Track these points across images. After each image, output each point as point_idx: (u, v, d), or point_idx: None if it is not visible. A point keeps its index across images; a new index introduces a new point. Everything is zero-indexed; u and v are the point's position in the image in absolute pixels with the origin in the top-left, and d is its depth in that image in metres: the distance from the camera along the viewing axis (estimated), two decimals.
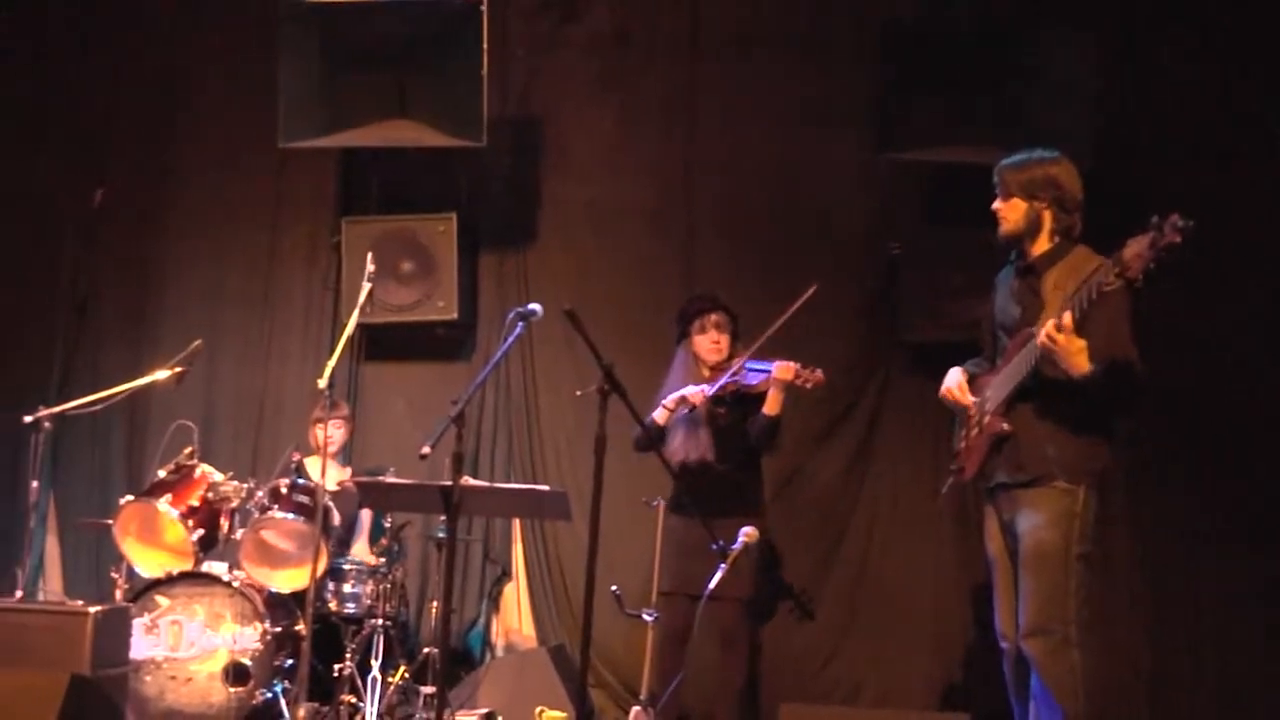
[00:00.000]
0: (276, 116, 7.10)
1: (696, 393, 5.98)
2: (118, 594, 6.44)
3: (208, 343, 6.96)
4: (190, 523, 6.41)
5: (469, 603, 7.55)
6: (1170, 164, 6.80)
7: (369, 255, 6.42)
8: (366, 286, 6.27)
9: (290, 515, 6.43)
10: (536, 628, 7.52)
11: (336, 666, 6.49)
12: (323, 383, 5.93)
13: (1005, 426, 4.67)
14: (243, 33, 7.82)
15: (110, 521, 6.51)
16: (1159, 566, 6.84)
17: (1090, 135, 6.31)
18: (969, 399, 4.90)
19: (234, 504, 6.55)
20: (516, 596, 7.62)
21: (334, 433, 6.88)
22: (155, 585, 6.32)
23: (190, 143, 8.07)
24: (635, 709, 5.39)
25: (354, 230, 7.52)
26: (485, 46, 6.86)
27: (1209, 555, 6.78)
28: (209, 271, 8.01)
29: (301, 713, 5.85)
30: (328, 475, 6.08)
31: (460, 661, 7.38)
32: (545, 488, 6.48)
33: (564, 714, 6.36)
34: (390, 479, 6.36)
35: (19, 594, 6.29)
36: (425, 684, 6.52)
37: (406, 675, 6.59)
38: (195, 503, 6.48)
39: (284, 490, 6.51)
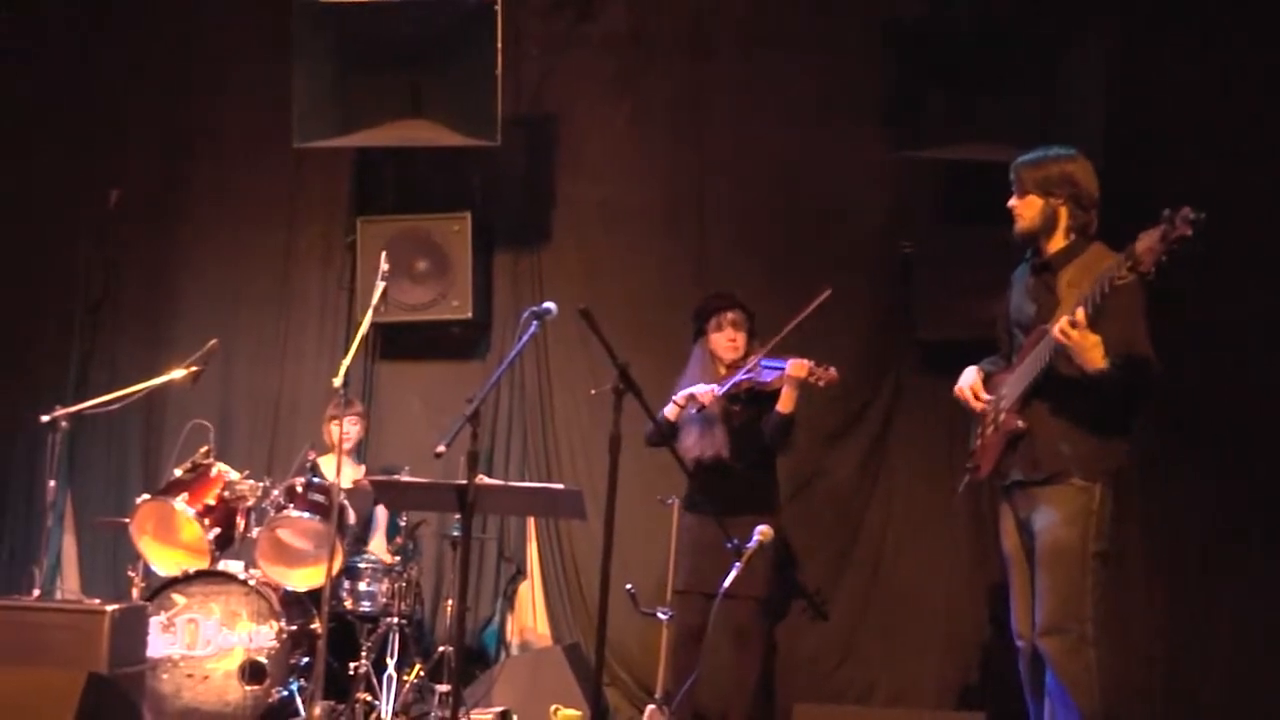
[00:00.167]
0: (291, 117, 7.12)
1: (706, 391, 5.99)
2: (134, 593, 6.48)
3: (223, 342, 6.98)
4: (206, 521, 6.43)
5: (484, 601, 7.56)
6: (1180, 161, 6.78)
7: (384, 255, 6.44)
8: (381, 286, 6.28)
9: (306, 514, 6.46)
10: (551, 626, 7.53)
11: (352, 665, 6.51)
12: (338, 381, 5.95)
13: (1020, 424, 4.66)
14: (257, 33, 7.83)
15: (127, 520, 6.53)
16: (1174, 565, 6.82)
17: (1102, 132, 6.29)
18: (984, 399, 4.89)
19: (250, 503, 6.57)
20: (531, 595, 7.62)
21: (350, 429, 6.91)
22: (172, 584, 6.35)
23: (205, 143, 8.09)
24: (650, 707, 5.40)
25: (369, 230, 7.53)
26: (499, 46, 6.86)
27: (1224, 553, 6.77)
28: (224, 271, 8.03)
29: (317, 711, 5.87)
30: (343, 474, 6.09)
31: (475, 660, 7.39)
32: (560, 486, 6.50)
33: (579, 712, 6.36)
34: (405, 478, 6.39)
35: (36, 593, 6.32)
36: (440, 682, 6.53)
37: (422, 673, 6.61)
38: (211, 501, 6.51)
39: (300, 489, 6.53)
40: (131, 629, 5.68)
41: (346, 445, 6.75)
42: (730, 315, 6.14)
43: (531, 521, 7.61)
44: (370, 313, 6.29)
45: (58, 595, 7.61)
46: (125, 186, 7.95)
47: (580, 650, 7.08)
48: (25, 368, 8.03)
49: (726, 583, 5.18)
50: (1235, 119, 6.87)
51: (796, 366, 5.83)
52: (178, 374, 6.69)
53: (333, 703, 6.33)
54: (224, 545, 6.56)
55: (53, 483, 6.44)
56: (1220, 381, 6.71)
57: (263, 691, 6.25)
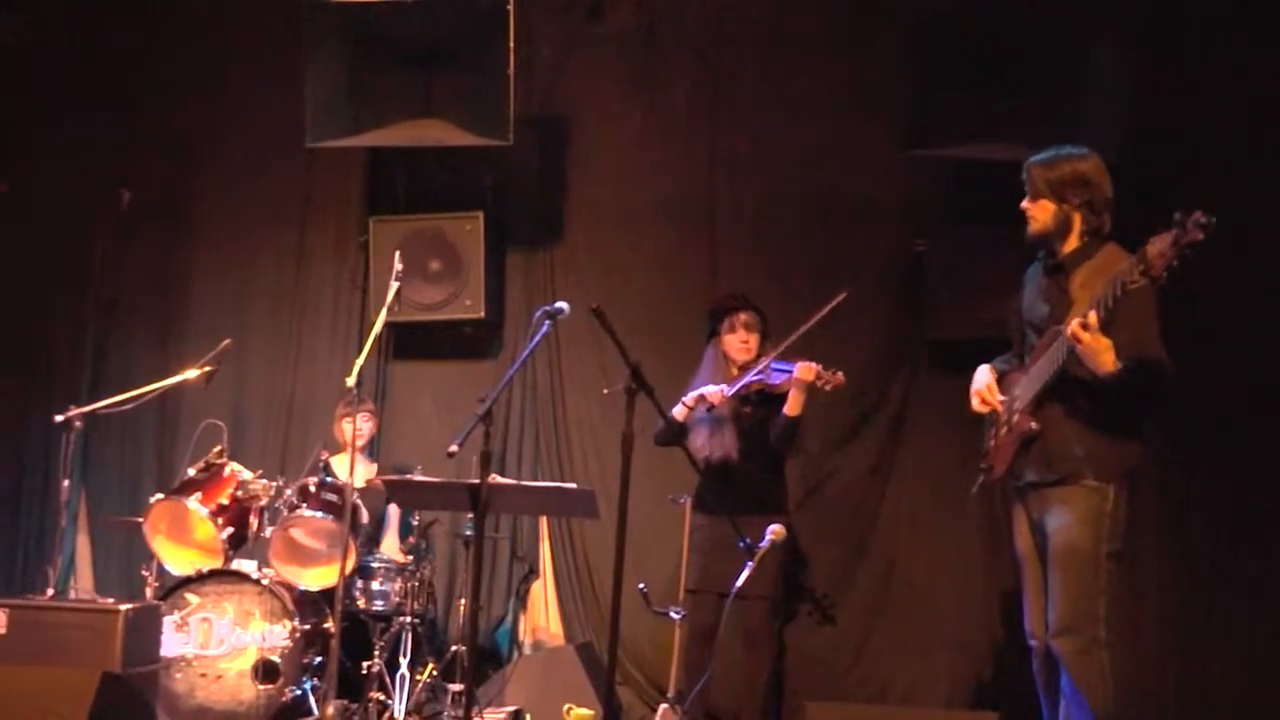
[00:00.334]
0: (304, 117, 7.13)
1: (715, 392, 5.99)
2: (148, 592, 6.50)
3: (237, 342, 7.00)
4: (220, 521, 6.45)
5: (496, 600, 7.56)
6: (1197, 163, 6.75)
7: (396, 254, 6.45)
8: (394, 285, 6.30)
9: (319, 513, 6.47)
10: (564, 625, 7.53)
11: (365, 664, 6.51)
12: (351, 381, 5.96)
13: (1034, 425, 4.65)
14: (270, 33, 7.85)
15: (141, 520, 6.55)
16: (1187, 565, 6.79)
17: (1120, 132, 6.26)
18: (997, 399, 4.88)
19: (263, 502, 6.59)
20: (544, 594, 7.62)
21: (362, 425, 6.92)
22: (185, 583, 6.36)
23: (218, 143, 8.11)
24: (663, 707, 5.40)
25: (381, 229, 7.54)
26: (511, 45, 6.86)
27: (1236, 554, 6.74)
28: (238, 271, 8.05)
29: (330, 710, 5.89)
30: (355, 472, 6.10)
31: (488, 659, 7.40)
32: (572, 486, 6.50)
33: (591, 712, 6.37)
34: (418, 477, 6.40)
35: (51, 592, 6.34)
36: (453, 681, 6.54)
37: (434, 673, 6.62)
38: (225, 501, 6.53)
39: (313, 488, 6.54)
40: (145, 628, 5.70)
41: (359, 442, 6.76)
42: (743, 316, 6.14)
43: (544, 521, 7.61)
44: (384, 312, 6.30)
45: (72, 595, 7.62)
46: (137, 187, 7.96)
47: (593, 649, 7.08)
48: (39, 368, 8.07)
49: (739, 582, 5.18)
50: (1251, 120, 6.83)
51: (804, 369, 5.83)
52: (191, 374, 6.72)
53: (346, 702, 6.34)
54: (237, 545, 6.58)
55: (67, 482, 6.46)
56: (1232, 383, 6.67)
57: (276, 691, 6.26)
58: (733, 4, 7.67)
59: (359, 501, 6.51)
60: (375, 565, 6.74)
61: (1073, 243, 4.70)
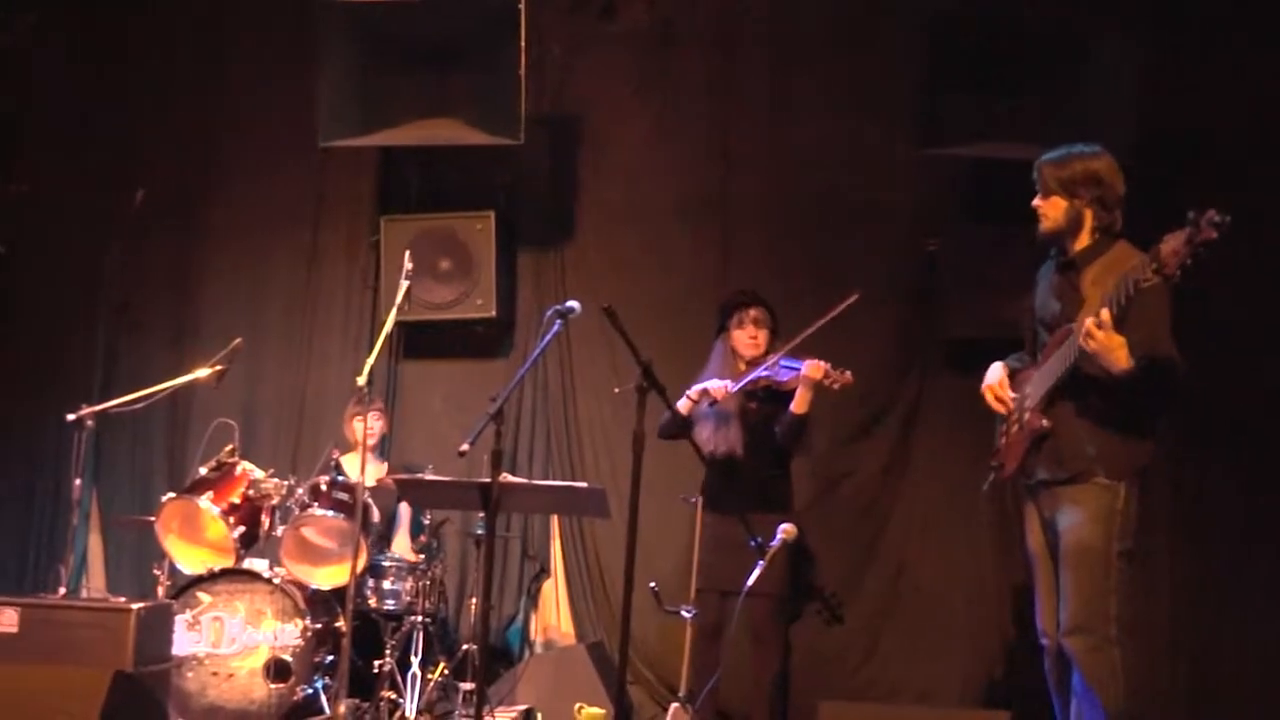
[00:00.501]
0: (316, 116, 7.14)
1: (719, 387, 5.98)
2: (160, 591, 6.50)
3: (248, 341, 7.01)
4: (231, 520, 6.46)
5: (508, 599, 7.57)
6: (1207, 161, 6.73)
7: (407, 253, 6.44)
8: (405, 284, 6.28)
9: (330, 512, 6.47)
10: (575, 624, 7.53)
11: (376, 663, 6.51)
12: (362, 380, 5.96)
13: (1045, 423, 4.64)
14: (282, 33, 7.87)
15: (152, 519, 6.57)
16: (1199, 563, 6.78)
17: (1132, 131, 6.25)
18: (1009, 396, 4.87)
19: (275, 501, 6.60)
20: (555, 593, 7.63)
21: (373, 424, 6.92)
22: (197, 582, 6.37)
23: (230, 143, 8.12)
24: (674, 706, 5.40)
25: (393, 229, 7.55)
26: (523, 45, 6.86)
27: (1248, 552, 6.72)
28: (249, 271, 8.07)
29: (342, 709, 5.89)
30: (366, 472, 6.11)
31: (499, 658, 7.40)
32: (583, 485, 6.50)
33: (603, 711, 6.36)
34: (429, 476, 6.40)
35: (62, 591, 6.35)
36: (464, 680, 6.55)
37: (446, 671, 6.63)
38: (236, 500, 6.54)
39: (324, 487, 6.55)
40: (157, 627, 5.71)
41: (370, 442, 6.78)
42: (753, 312, 6.13)
43: (555, 520, 7.61)
44: (394, 311, 6.30)
45: (84, 594, 7.63)
46: (150, 186, 7.97)
47: (604, 648, 7.08)
48: (51, 367, 8.08)
49: (751, 580, 5.17)
50: (1264, 118, 6.81)
51: (812, 368, 5.81)
52: (202, 373, 6.72)
53: (357, 701, 6.35)
54: (249, 543, 6.59)
55: (78, 481, 6.46)
56: (1246, 382, 6.66)
57: (287, 689, 6.27)
58: (744, 3, 7.67)
59: (370, 500, 6.52)
60: (386, 564, 6.74)
61: (1084, 240, 4.69)
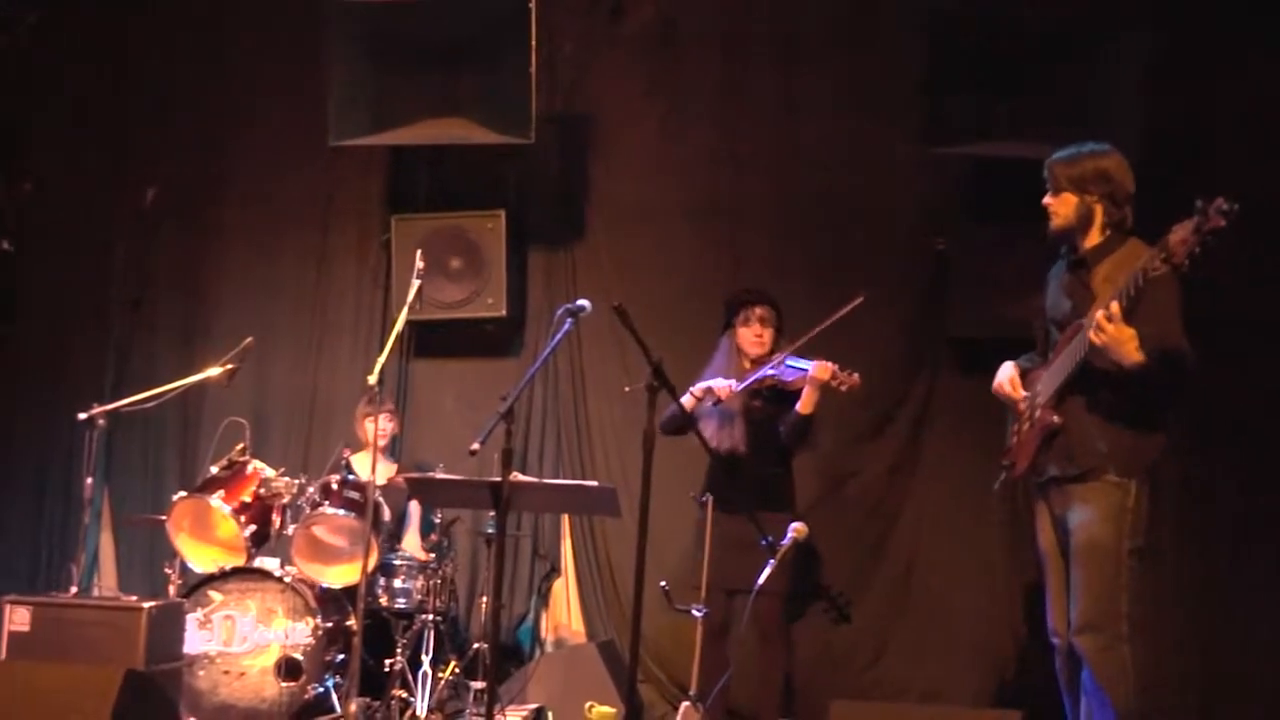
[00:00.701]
0: (326, 115, 7.15)
1: (724, 386, 5.98)
2: (171, 589, 6.51)
3: (259, 340, 7.00)
4: (242, 518, 6.47)
5: (518, 598, 7.57)
6: (1215, 158, 6.71)
7: (418, 252, 6.44)
8: (416, 284, 6.29)
9: (341, 511, 6.48)
10: (585, 623, 7.54)
11: (387, 661, 6.52)
12: (373, 379, 5.96)
13: (1056, 420, 4.64)
14: (292, 32, 7.86)
15: (164, 517, 6.58)
16: (1209, 561, 6.76)
17: (1139, 128, 6.24)
18: (1020, 394, 4.87)
19: (286, 500, 6.61)
20: (565, 592, 7.63)
21: (385, 424, 6.94)
22: (208, 581, 6.38)
23: (241, 142, 8.14)
24: (685, 705, 5.38)
25: (403, 228, 7.56)
26: (533, 44, 6.87)
27: (1259, 549, 6.70)
28: (260, 269, 8.08)
29: (353, 707, 5.89)
30: (377, 471, 6.11)
31: (510, 657, 7.41)
32: (594, 483, 6.51)
33: (613, 710, 6.37)
34: (440, 474, 6.40)
35: (74, 590, 6.35)
36: (475, 679, 6.54)
37: (457, 670, 6.63)
38: (247, 499, 6.54)
39: (335, 486, 6.55)
40: (168, 626, 5.72)
41: (381, 442, 6.78)
42: (759, 311, 6.12)
43: (565, 518, 7.62)
44: (405, 310, 6.30)
45: (95, 592, 7.65)
46: (161, 185, 8.00)
47: (615, 647, 7.08)
48: (63, 366, 8.10)
49: (761, 579, 5.17)
50: (1268, 116, 6.79)
51: (820, 369, 5.81)
52: (213, 372, 6.73)
53: (368, 699, 6.35)
54: (260, 542, 6.59)
55: (90, 480, 6.46)
56: (1256, 376, 6.64)
57: (298, 688, 6.28)
58: (753, 3, 7.66)
59: (381, 499, 6.52)
60: (397, 563, 6.75)
61: (1095, 237, 4.69)
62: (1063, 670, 4.78)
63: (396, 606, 6.69)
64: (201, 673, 6.28)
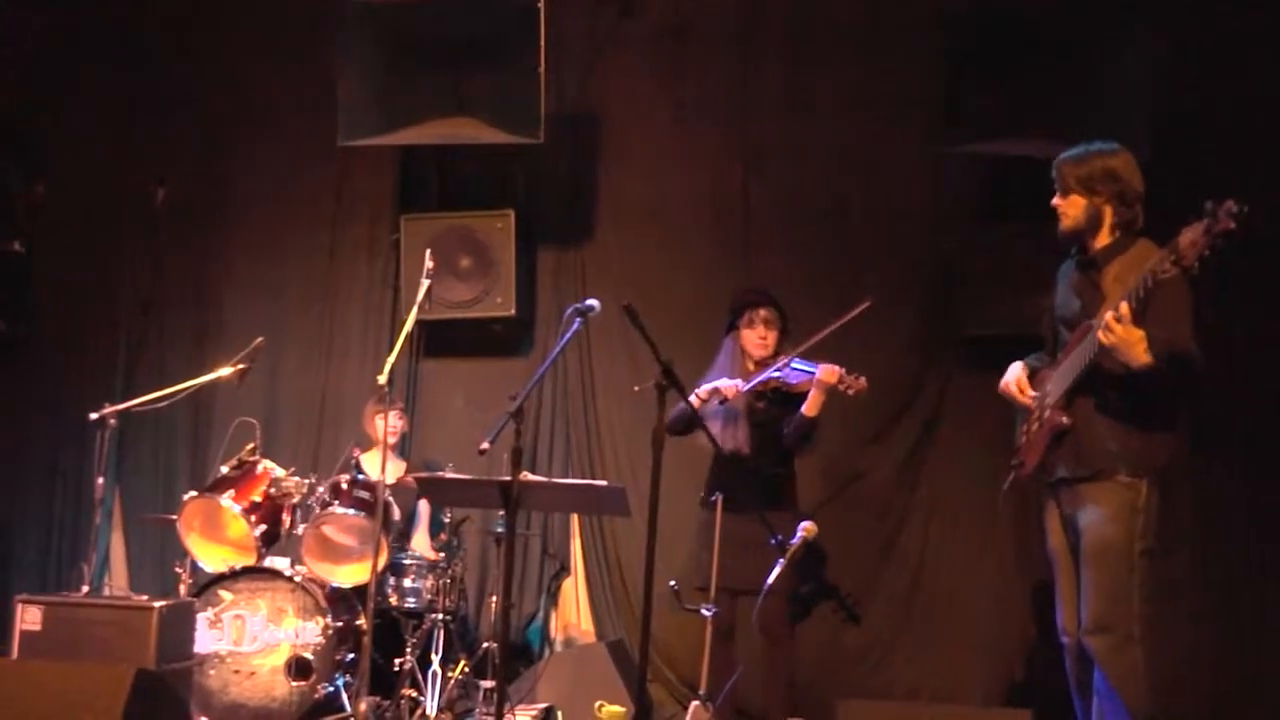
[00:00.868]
0: (336, 115, 7.16)
1: (731, 386, 5.96)
2: (182, 589, 6.53)
3: (269, 340, 7.02)
4: (253, 518, 6.48)
5: (528, 597, 7.58)
6: (1228, 157, 6.70)
7: (428, 252, 6.45)
8: (425, 283, 6.30)
9: (351, 510, 6.49)
10: (595, 622, 7.54)
11: (397, 661, 6.53)
12: (382, 378, 5.97)
13: (1065, 420, 4.63)
14: (302, 32, 7.89)
15: (174, 517, 6.59)
16: (1222, 561, 6.75)
17: (1149, 127, 6.23)
18: (1029, 395, 4.86)
19: (296, 499, 6.62)
20: (575, 591, 7.63)
21: (395, 422, 6.94)
22: (218, 580, 6.39)
23: (251, 142, 8.15)
24: (694, 704, 5.38)
25: (413, 227, 7.57)
26: (542, 44, 6.87)
27: (1272, 549, 6.69)
28: (270, 269, 8.09)
29: (363, 706, 5.90)
30: (386, 470, 6.12)
31: (519, 656, 7.42)
32: (603, 483, 6.50)
33: (623, 709, 6.37)
34: (449, 474, 6.41)
35: (85, 589, 6.36)
36: (485, 678, 6.56)
37: (466, 669, 6.64)
38: (258, 498, 6.55)
39: (344, 486, 6.56)
40: (179, 625, 5.73)
41: (391, 439, 6.79)
42: (763, 312, 6.10)
43: (575, 518, 7.63)
44: (415, 310, 6.31)
45: (106, 592, 7.65)
46: (171, 185, 8.01)
47: (624, 646, 7.08)
48: (75, 366, 8.13)
49: (771, 579, 5.16)
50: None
51: (827, 372, 5.79)
52: (224, 372, 6.74)
53: (378, 698, 6.35)
54: (270, 542, 6.61)
55: (101, 480, 6.48)
56: (1268, 377, 6.63)
57: (308, 687, 6.29)
58: (763, 2, 7.66)
59: (390, 498, 6.53)
60: (407, 562, 6.76)
61: (1104, 238, 4.68)
62: (1073, 670, 4.77)
63: (406, 606, 6.71)
64: (212, 672, 6.29)
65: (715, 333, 6.51)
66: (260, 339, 6.81)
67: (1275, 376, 6.65)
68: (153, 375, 7.78)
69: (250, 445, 6.77)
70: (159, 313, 8.16)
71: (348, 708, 6.29)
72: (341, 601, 6.55)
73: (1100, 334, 4.35)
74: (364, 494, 6.53)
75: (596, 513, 7.34)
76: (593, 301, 4.91)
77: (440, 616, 6.61)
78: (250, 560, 6.49)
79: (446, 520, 6.99)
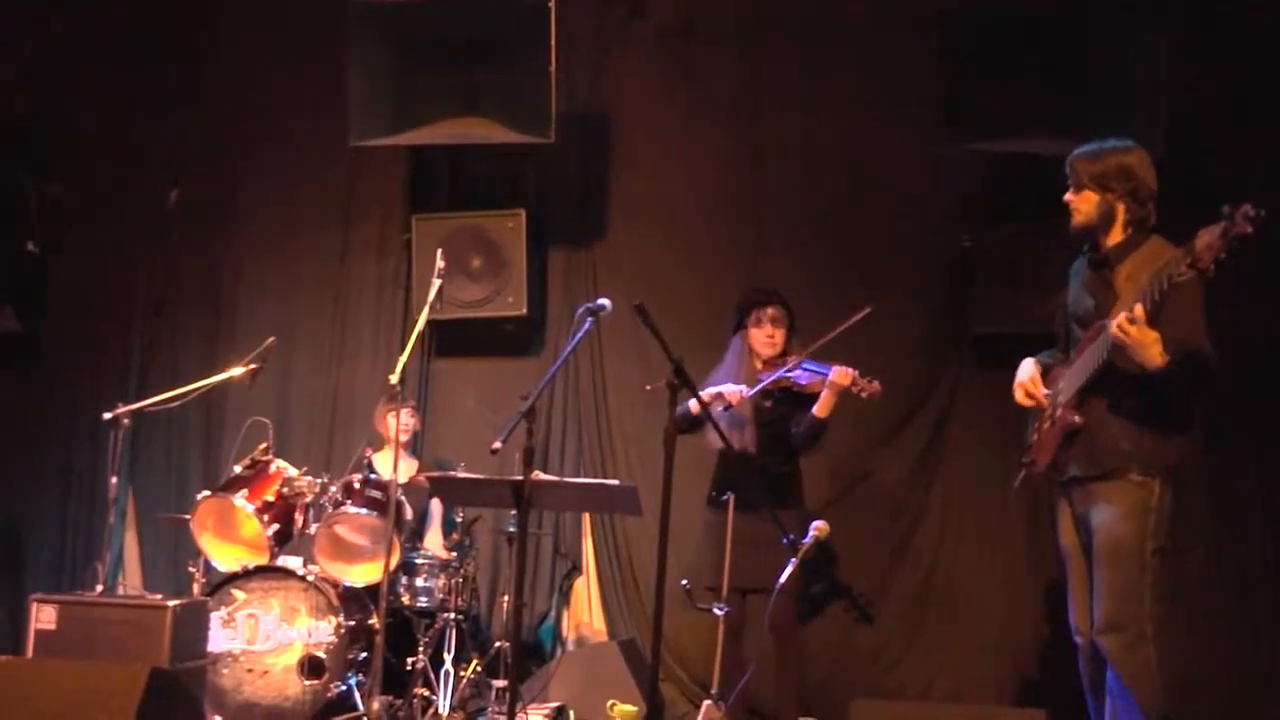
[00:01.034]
0: (347, 116, 7.17)
1: (735, 392, 5.93)
2: (195, 588, 6.55)
3: (281, 340, 7.05)
4: (266, 518, 6.50)
5: (540, 597, 7.58)
6: (1241, 155, 6.68)
7: (439, 252, 6.45)
8: (437, 283, 6.30)
9: (363, 510, 6.50)
10: (607, 621, 7.54)
11: (409, 660, 6.55)
12: (394, 378, 5.98)
13: (1077, 419, 4.62)
14: (313, 32, 7.90)
15: (187, 517, 6.61)
16: (1236, 561, 6.73)
17: (1161, 124, 6.22)
18: (1041, 392, 4.85)
19: (308, 499, 6.63)
20: (587, 590, 7.64)
21: (407, 420, 6.95)
22: (232, 579, 6.41)
23: (262, 143, 8.17)
24: (706, 703, 5.38)
25: (424, 227, 7.58)
26: (553, 44, 6.88)
27: None
28: (282, 270, 8.11)
29: (375, 705, 5.92)
30: (398, 469, 6.13)
31: (531, 655, 7.42)
32: (615, 482, 6.50)
33: (635, 708, 6.37)
34: (462, 473, 6.42)
35: (99, 588, 6.39)
36: (497, 677, 6.57)
37: (478, 669, 6.65)
38: (270, 498, 6.57)
39: (357, 485, 6.57)
40: (192, 624, 5.74)
41: (403, 437, 6.79)
42: (770, 311, 6.09)
43: (586, 517, 7.63)
44: (426, 310, 6.32)
45: (120, 591, 7.67)
46: (184, 186, 8.03)
47: (636, 645, 7.08)
48: (88, 366, 8.16)
49: (783, 578, 5.16)
50: None
51: (841, 375, 5.78)
52: (236, 371, 6.76)
53: (390, 698, 6.38)
54: (283, 541, 6.62)
55: (115, 479, 6.50)
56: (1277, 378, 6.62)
57: (321, 686, 6.30)
58: (772, 1, 7.65)
59: (403, 498, 6.54)
60: (419, 561, 6.77)
61: (1117, 235, 4.67)
62: (1086, 669, 4.76)
63: (418, 605, 6.72)
64: (225, 671, 6.31)
65: (725, 332, 6.52)
66: (272, 339, 6.83)
67: None
68: (165, 375, 7.81)
69: (263, 445, 6.79)
70: (171, 313, 8.19)
71: (360, 707, 6.30)
72: (354, 601, 6.56)
73: (1114, 335, 4.34)
74: (376, 493, 6.54)
75: (608, 512, 7.34)
76: (604, 301, 4.91)
77: (452, 616, 6.62)
78: (263, 560, 6.51)
79: (459, 520, 7.01)
